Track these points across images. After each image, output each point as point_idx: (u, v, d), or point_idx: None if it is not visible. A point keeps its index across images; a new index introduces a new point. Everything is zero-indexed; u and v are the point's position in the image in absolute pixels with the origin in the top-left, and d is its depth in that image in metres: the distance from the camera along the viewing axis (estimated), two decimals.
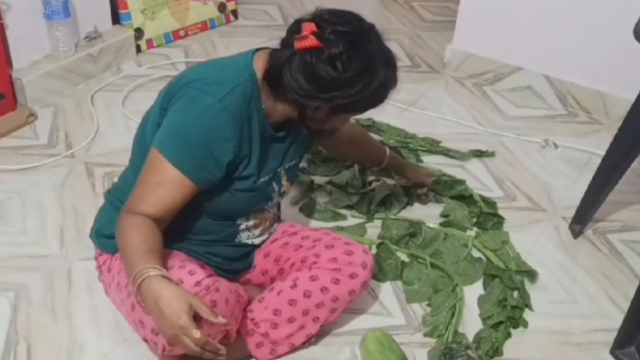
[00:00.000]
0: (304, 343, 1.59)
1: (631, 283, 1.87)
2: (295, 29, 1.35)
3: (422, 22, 3.40)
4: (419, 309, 1.77)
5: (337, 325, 1.67)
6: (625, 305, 1.69)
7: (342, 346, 1.64)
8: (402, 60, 2.97)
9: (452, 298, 1.77)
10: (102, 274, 1.56)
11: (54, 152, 2.26)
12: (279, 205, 1.70)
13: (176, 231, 1.47)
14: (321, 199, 2.10)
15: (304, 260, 1.55)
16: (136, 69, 2.76)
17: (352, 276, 1.53)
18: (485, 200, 2.13)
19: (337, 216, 2.05)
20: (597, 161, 1.96)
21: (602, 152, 1.94)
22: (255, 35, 3.06)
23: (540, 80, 2.74)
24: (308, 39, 1.30)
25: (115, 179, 1.64)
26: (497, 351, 1.65)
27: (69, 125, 2.41)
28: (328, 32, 1.31)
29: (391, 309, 1.77)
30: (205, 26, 3.13)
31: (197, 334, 1.22)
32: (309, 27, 1.31)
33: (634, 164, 1.97)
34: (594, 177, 1.96)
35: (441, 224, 2.04)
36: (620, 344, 1.65)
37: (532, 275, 1.86)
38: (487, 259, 1.91)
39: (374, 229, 2.01)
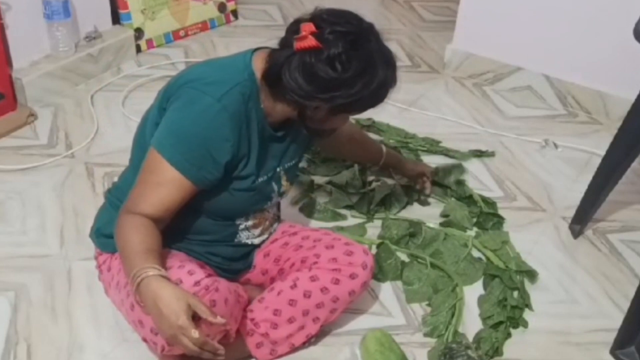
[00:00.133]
0: (304, 343, 1.59)
1: (631, 283, 1.87)
2: (294, 29, 1.34)
3: (422, 22, 3.40)
4: (419, 309, 1.77)
5: (337, 325, 1.67)
6: (625, 305, 1.69)
7: (342, 346, 1.64)
8: (402, 60, 2.97)
9: (452, 298, 1.77)
10: (102, 274, 1.56)
11: (54, 152, 2.26)
12: (278, 205, 1.70)
13: (176, 231, 1.47)
14: (321, 199, 2.10)
15: (304, 261, 1.55)
16: (136, 69, 2.76)
17: (352, 276, 1.53)
18: (485, 200, 2.13)
19: (337, 216, 2.05)
20: (597, 161, 1.96)
21: (602, 152, 1.94)
22: (255, 35, 3.06)
23: (540, 80, 2.74)
24: (307, 39, 1.30)
25: (115, 179, 1.64)
26: (497, 351, 1.65)
27: (69, 125, 2.41)
28: (327, 32, 1.31)
29: (391, 309, 1.77)
30: (205, 26, 3.13)
31: (195, 334, 1.22)
32: (308, 28, 1.31)
33: (634, 164, 1.97)
34: (594, 177, 1.96)
35: (441, 224, 2.04)
36: (620, 344, 1.65)
37: (532, 275, 1.86)
38: (487, 259, 1.91)
39: (374, 229, 2.01)
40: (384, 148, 2.05)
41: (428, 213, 2.09)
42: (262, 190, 1.51)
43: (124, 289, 1.45)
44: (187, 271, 1.37)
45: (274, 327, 1.52)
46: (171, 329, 1.24)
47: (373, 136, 2.41)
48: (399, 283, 1.83)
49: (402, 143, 2.37)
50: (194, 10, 3.07)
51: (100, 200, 1.65)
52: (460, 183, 2.19)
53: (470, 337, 1.69)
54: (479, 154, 2.39)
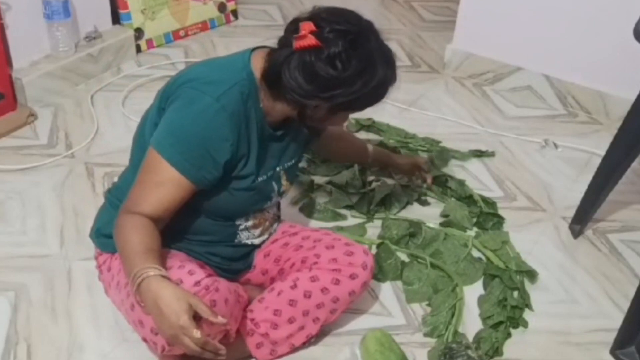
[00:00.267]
0: (304, 343, 1.59)
1: (631, 283, 1.87)
2: (293, 28, 1.34)
3: (422, 22, 3.40)
4: (419, 309, 1.77)
5: (337, 325, 1.67)
6: (625, 305, 1.69)
7: (342, 346, 1.64)
8: (402, 60, 2.98)
9: (452, 298, 1.77)
10: (102, 274, 1.56)
11: (54, 152, 2.26)
12: (278, 205, 1.70)
13: (175, 231, 1.47)
14: (321, 199, 2.10)
15: (304, 261, 1.55)
16: (136, 69, 2.76)
17: (353, 277, 1.53)
18: (485, 200, 2.13)
19: (337, 216, 2.05)
20: (597, 161, 1.96)
21: (602, 152, 1.94)
22: (255, 35, 3.05)
23: (540, 80, 2.74)
24: (307, 38, 1.30)
25: (115, 179, 1.64)
26: (497, 351, 1.65)
27: (69, 125, 2.41)
28: (327, 31, 1.31)
29: (391, 309, 1.77)
30: (205, 26, 3.13)
31: (197, 333, 1.22)
32: (307, 26, 1.31)
33: (634, 164, 1.97)
34: (594, 177, 1.96)
35: (441, 224, 2.04)
36: (620, 344, 1.65)
37: (532, 275, 1.86)
38: (487, 259, 1.91)
39: (374, 229, 2.01)
40: (370, 146, 2.02)
41: (428, 213, 2.09)
42: (262, 190, 1.51)
43: (124, 289, 1.44)
44: (188, 271, 1.37)
45: (274, 328, 1.52)
46: (172, 329, 1.23)
47: (373, 136, 2.42)
48: (399, 283, 1.83)
49: (402, 143, 2.37)
50: (194, 10, 3.07)
51: (100, 200, 1.65)
52: (460, 183, 2.19)
53: (470, 337, 1.69)
54: (479, 154, 2.39)
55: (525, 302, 1.77)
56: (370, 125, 2.45)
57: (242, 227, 1.56)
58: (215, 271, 1.52)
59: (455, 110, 2.66)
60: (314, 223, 2.01)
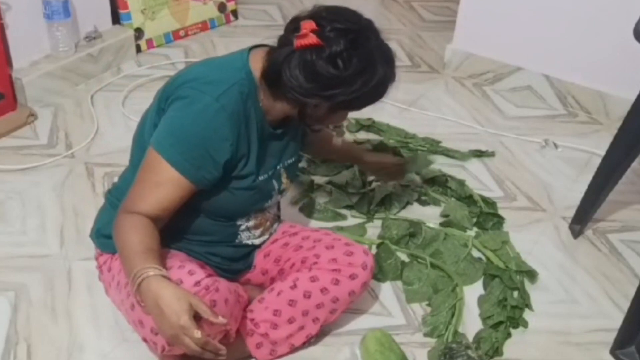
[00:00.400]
0: (303, 343, 1.58)
1: (631, 283, 1.87)
2: (293, 26, 1.34)
3: (422, 22, 3.40)
4: (419, 309, 1.77)
5: (337, 325, 1.67)
6: (625, 305, 1.69)
7: (342, 346, 1.64)
8: (402, 60, 2.98)
9: (452, 298, 1.76)
10: (102, 274, 1.56)
11: (54, 152, 2.26)
12: (278, 205, 1.70)
13: (176, 231, 1.47)
14: (321, 199, 2.10)
15: (304, 261, 1.55)
16: (136, 69, 2.76)
17: (352, 277, 1.52)
18: (485, 200, 2.13)
19: (337, 216, 2.05)
20: (597, 161, 1.96)
21: (602, 152, 1.94)
22: (255, 35, 3.05)
23: (540, 80, 2.74)
24: (308, 37, 1.30)
25: (116, 179, 1.64)
26: (497, 351, 1.65)
27: (69, 125, 2.41)
28: (328, 30, 1.31)
29: (391, 309, 1.77)
30: (205, 26, 3.13)
31: (197, 334, 1.22)
32: (308, 25, 1.31)
33: (634, 164, 1.97)
34: (594, 177, 1.96)
35: (441, 224, 2.04)
36: (620, 344, 1.65)
37: (532, 275, 1.86)
38: (487, 259, 1.91)
39: (374, 229, 2.01)
40: (338, 139, 1.97)
41: (428, 213, 2.09)
42: (263, 189, 1.51)
43: (124, 289, 1.44)
44: (188, 271, 1.37)
45: (273, 328, 1.52)
46: (173, 329, 1.23)
47: (373, 136, 2.42)
48: (399, 283, 1.83)
49: (402, 143, 2.37)
50: (194, 10, 3.07)
51: (100, 200, 1.65)
52: (460, 183, 2.19)
53: (470, 337, 1.68)
54: (479, 154, 2.39)
55: (525, 302, 1.77)
56: (370, 125, 2.45)
57: (243, 227, 1.56)
58: (215, 271, 1.52)
59: (455, 110, 2.66)
60: (314, 223, 2.01)
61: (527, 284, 1.85)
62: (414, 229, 1.97)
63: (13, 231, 1.94)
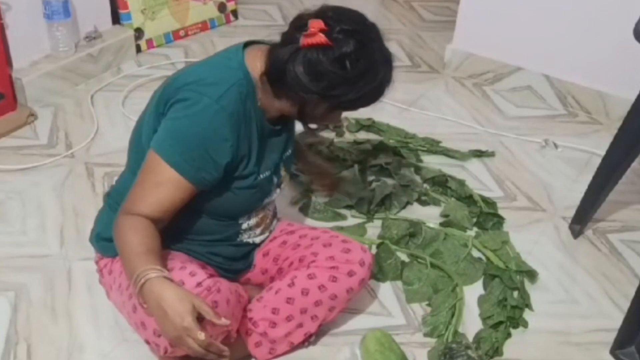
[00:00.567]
0: (303, 342, 1.59)
1: (631, 283, 1.87)
2: (299, 24, 1.34)
3: (422, 22, 3.40)
4: (419, 309, 1.77)
5: (336, 325, 1.67)
6: (625, 305, 1.69)
7: (341, 346, 1.64)
8: (402, 60, 2.98)
9: (452, 298, 1.76)
10: (103, 277, 1.56)
11: (54, 152, 2.26)
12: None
13: (177, 231, 1.47)
14: (321, 199, 2.10)
15: (302, 259, 1.56)
16: (136, 69, 2.76)
17: (350, 274, 1.52)
18: (485, 200, 2.13)
19: (337, 216, 2.05)
20: (597, 161, 1.96)
21: (602, 152, 1.94)
22: (255, 35, 3.05)
23: (540, 80, 2.74)
24: (317, 36, 1.30)
25: (115, 179, 1.64)
26: (497, 351, 1.65)
27: (69, 125, 2.41)
28: (337, 30, 1.31)
29: (391, 309, 1.77)
30: (205, 26, 3.13)
31: (201, 335, 1.22)
32: (317, 24, 1.31)
33: (634, 164, 1.97)
34: (594, 177, 1.96)
35: (441, 224, 2.04)
36: (620, 344, 1.65)
37: (532, 275, 1.86)
38: (487, 259, 1.91)
39: (374, 229, 2.01)
40: None
41: (428, 213, 2.09)
42: (264, 186, 1.51)
43: (126, 291, 1.44)
44: (189, 272, 1.36)
45: (272, 326, 1.52)
46: (176, 331, 1.23)
47: (373, 136, 2.42)
48: (399, 283, 1.83)
49: (402, 143, 2.37)
50: (194, 10, 3.07)
51: (101, 200, 1.65)
52: (460, 183, 2.19)
53: (470, 337, 1.68)
54: (479, 154, 2.39)
55: (525, 302, 1.77)
56: (370, 125, 2.45)
57: (244, 226, 1.56)
58: (216, 271, 1.52)
59: (455, 110, 2.66)
60: (314, 223, 2.01)
61: (527, 284, 1.85)
62: (414, 229, 1.97)
63: (13, 231, 1.94)
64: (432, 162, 2.31)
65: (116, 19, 2.81)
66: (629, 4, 2.29)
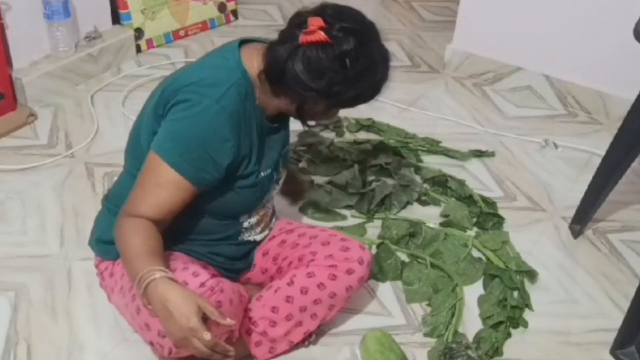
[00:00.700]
0: (302, 341, 1.59)
1: (631, 283, 1.87)
2: (298, 22, 1.34)
3: (422, 22, 3.40)
4: (419, 309, 1.77)
5: (336, 325, 1.67)
6: (625, 305, 1.69)
7: (341, 346, 1.64)
8: (402, 60, 2.98)
9: (452, 298, 1.77)
10: (104, 280, 1.55)
11: (54, 152, 2.26)
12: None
13: (178, 232, 1.47)
14: (321, 199, 2.10)
15: (301, 258, 1.56)
16: (136, 69, 2.76)
17: (349, 272, 1.52)
18: (485, 200, 2.13)
19: (337, 216, 2.05)
20: (597, 161, 1.96)
21: (602, 152, 1.94)
22: (255, 35, 3.05)
23: (540, 80, 2.74)
24: (316, 34, 1.30)
25: (115, 179, 1.63)
26: (497, 351, 1.65)
27: (69, 125, 2.41)
28: (336, 28, 1.31)
29: (391, 309, 1.77)
30: (205, 26, 3.13)
31: (207, 335, 1.22)
32: (316, 22, 1.31)
33: (634, 164, 1.97)
34: (594, 177, 1.96)
35: (441, 224, 2.04)
36: (620, 344, 1.65)
37: (532, 275, 1.86)
38: (487, 259, 1.91)
39: (374, 229, 2.01)
40: None
41: (428, 213, 2.09)
42: (264, 184, 1.51)
43: (128, 293, 1.44)
44: (192, 273, 1.36)
45: (272, 325, 1.52)
46: (182, 332, 1.23)
47: (373, 136, 2.42)
48: (399, 283, 1.83)
49: (402, 143, 2.37)
50: (194, 10, 3.07)
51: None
52: (460, 183, 2.19)
53: (470, 337, 1.68)
54: (479, 154, 2.39)
55: (525, 302, 1.77)
56: (370, 125, 2.45)
57: (245, 224, 1.56)
58: (218, 272, 1.52)
59: (455, 110, 2.66)
60: (314, 223, 2.01)
61: (527, 284, 1.85)
62: (414, 229, 1.97)
63: (13, 231, 1.94)
64: (432, 162, 2.31)
65: (116, 19, 2.81)
66: (629, 4, 2.29)
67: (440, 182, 2.19)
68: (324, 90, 1.34)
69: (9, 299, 1.71)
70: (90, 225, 1.61)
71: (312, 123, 1.52)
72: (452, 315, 1.72)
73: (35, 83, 2.45)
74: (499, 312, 1.73)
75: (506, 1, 2.71)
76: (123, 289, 1.46)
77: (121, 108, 2.50)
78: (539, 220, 2.11)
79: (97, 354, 1.59)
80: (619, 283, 1.89)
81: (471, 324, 1.73)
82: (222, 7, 3.19)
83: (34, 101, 2.45)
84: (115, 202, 1.50)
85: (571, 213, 2.07)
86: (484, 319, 1.73)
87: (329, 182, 2.16)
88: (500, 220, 2.07)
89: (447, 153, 2.37)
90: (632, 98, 1.79)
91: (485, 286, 1.84)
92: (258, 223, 1.59)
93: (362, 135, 2.42)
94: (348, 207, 2.09)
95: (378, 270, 1.82)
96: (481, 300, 1.79)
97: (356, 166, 2.20)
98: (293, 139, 2.33)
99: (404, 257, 1.90)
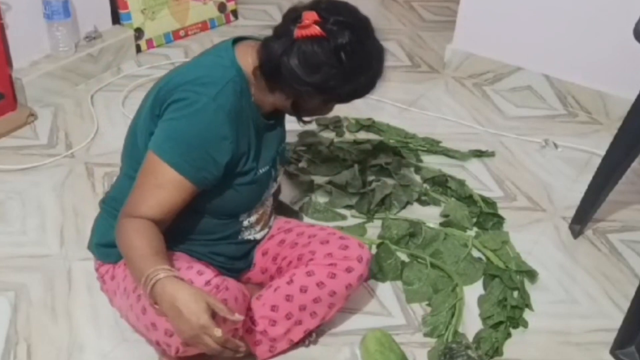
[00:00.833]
0: (302, 339, 1.59)
1: (631, 283, 1.87)
2: (292, 16, 1.34)
3: (422, 22, 3.40)
4: (419, 309, 1.77)
5: (336, 325, 1.67)
6: (625, 305, 1.69)
7: (341, 346, 1.64)
8: (402, 60, 2.97)
9: (452, 298, 1.77)
10: (106, 284, 1.55)
11: (54, 152, 2.26)
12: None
13: (178, 233, 1.46)
14: (321, 199, 2.10)
15: (300, 258, 1.56)
16: (136, 69, 2.76)
17: (348, 270, 1.52)
18: (485, 200, 2.13)
19: (337, 216, 2.05)
20: (597, 161, 1.96)
21: (602, 152, 1.94)
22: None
23: (540, 80, 2.74)
24: (310, 28, 1.30)
25: (114, 179, 1.63)
26: (497, 351, 1.65)
27: (69, 125, 2.41)
28: (331, 22, 1.31)
29: (391, 309, 1.77)
30: (205, 26, 3.13)
31: (218, 332, 1.21)
32: (310, 16, 1.31)
33: (634, 164, 1.97)
34: (594, 177, 1.96)
35: (441, 224, 2.04)
36: (620, 344, 1.65)
37: (532, 275, 1.86)
38: (487, 259, 1.91)
39: (374, 229, 2.01)
40: None
41: (428, 213, 2.09)
42: (263, 181, 1.51)
43: (132, 294, 1.43)
44: (197, 271, 1.36)
45: (272, 324, 1.53)
46: (192, 330, 1.22)
47: (373, 136, 2.42)
48: (399, 283, 1.83)
49: (402, 143, 2.37)
50: (194, 10, 3.07)
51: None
52: (460, 183, 2.19)
53: (470, 337, 1.68)
54: (479, 154, 2.39)
55: (525, 302, 1.77)
56: (370, 125, 2.45)
57: (245, 223, 1.56)
58: (219, 271, 1.52)
59: (455, 110, 2.66)
60: (314, 223, 2.01)
61: (527, 284, 1.85)
62: (414, 229, 1.97)
63: (13, 231, 1.94)
64: (432, 162, 2.31)
65: (116, 19, 2.81)
66: (629, 4, 2.29)
67: (440, 182, 2.19)
68: (319, 84, 1.34)
69: (9, 299, 1.71)
70: (91, 225, 1.61)
71: (307, 119, 1.52)
72: (452, 315, 1.72)
73: (35, 83, 2.45)
74: (499, 312, 1.73)
75: (506, 1, 2.71)
76: (127, 290, 1.46)
77: (121, 108, 2.50)
78: (539, 220, 2.11)
79: (97, 354, 1.59)
80: (619, 283, 1.89)
81: (471, 324, 1.73)
82: (222, 7, 3.19)
83: (34, 101, 2.45)
84: (113, 204, 1.50)
85: (571, 213, 2.07)
86: (484, 319, 1.73)
87: (329, 182, 2.16)
88: (500, 220, 2.07)
89: (447, 153, 2.37)
90: (632, 98, 1.79)
91: (485, 286, 1.84)
92: (257, 221, 1.59)
93: (362, 135, 2.42)
94: (348, 207, 2.09)
95: (378, 270, 1.82)
96: (481, 300, 1.79)
97: (356, 166, 2.20)
98: (293, 139, 2.34)
99: (404, 257, 1.90)
